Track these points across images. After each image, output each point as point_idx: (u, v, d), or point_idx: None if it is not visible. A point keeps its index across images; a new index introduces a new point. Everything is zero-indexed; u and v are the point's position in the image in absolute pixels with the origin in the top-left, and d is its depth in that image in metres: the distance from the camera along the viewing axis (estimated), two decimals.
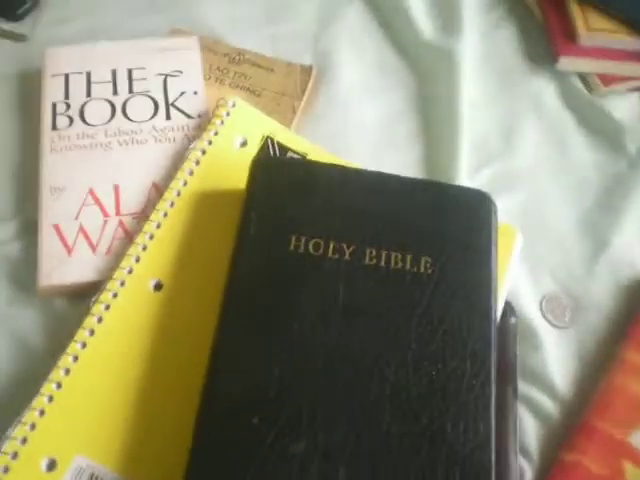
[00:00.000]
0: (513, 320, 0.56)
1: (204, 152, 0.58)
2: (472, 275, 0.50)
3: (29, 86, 0.66)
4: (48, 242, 0.55)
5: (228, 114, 0.60)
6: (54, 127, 0.61)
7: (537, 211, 0.64)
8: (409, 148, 0.67)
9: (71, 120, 0.61)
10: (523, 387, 0.55)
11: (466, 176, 0.64)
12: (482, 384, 0.47)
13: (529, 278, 0.61)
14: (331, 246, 0.50)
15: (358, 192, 0.53)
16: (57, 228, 0.56)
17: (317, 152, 0.59)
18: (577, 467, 0.52)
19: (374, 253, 0.50)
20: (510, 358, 0.55)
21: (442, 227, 0.52)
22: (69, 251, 0.55)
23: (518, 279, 0.60)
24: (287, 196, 0.52)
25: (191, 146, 0.59)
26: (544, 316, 0.59)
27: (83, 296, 0.54)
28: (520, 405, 0.55)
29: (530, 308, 0.59)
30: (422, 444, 0.44)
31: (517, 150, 0.68)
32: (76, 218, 0.56)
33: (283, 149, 0.59)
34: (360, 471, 0.43)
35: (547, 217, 0.64)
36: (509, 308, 0.57)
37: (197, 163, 0.57)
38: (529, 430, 0.55)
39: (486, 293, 0.50)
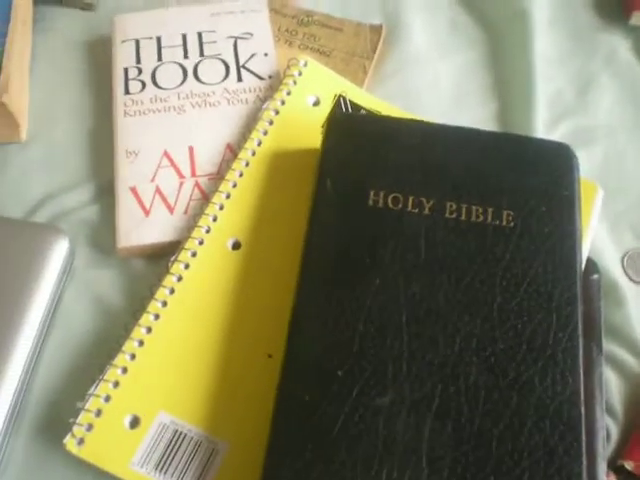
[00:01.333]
0: (596, 276, 0.55)
1: (277, 112, 0.58)
2: (555, 228, 0.49)
3: (99, 54, 0.66)
4: (125, 204, 0.56)
5: (300, 74, 0.60)
6: (127, 92, 0.61)
7: (615, 167, 0.63)
8: (482, 105, 0.65)
9: (143, 84, 0.61)
10: (606, 344, 0.54)
11: (542, 132, 0.63)
12: (569, 337, 0.46)
13: (610, 235, 0.60)
14: (410, 200, 0.49)
15: (437, 146, 0.52)
16: (134, 190, 0.56)
17: (390, 110, 0.59)
18: None
19: (454, 207, 0.49)
20: (594, 314, 0.54)
21: (523, 180, 0.51)
22: (146, 212, 0.55)
23: (599, 236, 0.58)
24: (364, 151, 0.51)
25: (264, 106, 0.58)
26: (626, 273, 0.58)
27: (161, 256, 0.54)
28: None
29: (612, 265, 0.58)
30: (510, 397, 0.44)
31: (593, 105, 0.66)
32: (152, 180, 0.57)
33: (356, 107, 0.59)
34: (447, 423, 0.43)
35: (626, 173, 0.63)
36: (591, 264, 0.55)
37: (271, 123, 0.57)
38: (613, 388, 0.53)
39: (571, 245, 0.49)
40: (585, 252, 0.53)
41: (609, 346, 0.54)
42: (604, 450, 0.50)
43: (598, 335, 0.53)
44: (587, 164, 0.61)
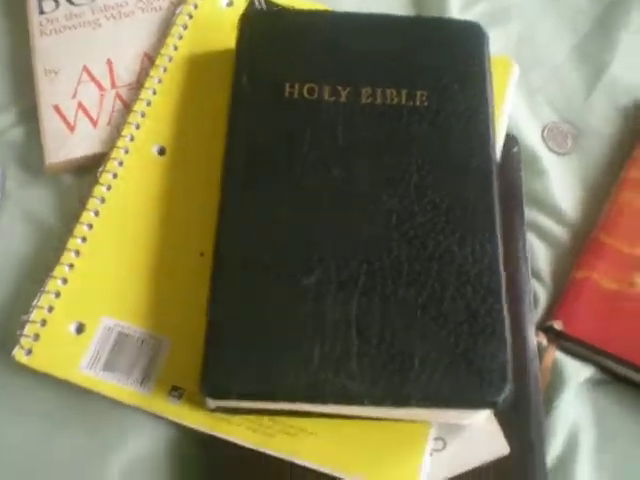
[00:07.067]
0: (515, 149, 0.57)
1: (191, 16, 0.58)
2: (468, 104, 0.51)
3: None
4: (50, 122, 0.56)
5: None
6: (41, 11, 0.60)
7: (531, 43, 0.64)
8: None
9: (57, 3, 0.60)
10: (530, 214, 0.56)
11: (457, 13, 0.63)
12: (486, 207, 0.48)
13: (528, 110, 0.61)
14: (326, 89, 0.50)
15: (349, 34, 0.53)
16: (57, 108, 0.56)
17: (304, 4, 0.58)
18: (587, 283, 0.53)
19: (370, 92, 0.50)
20: (516, 186, 0.55)
21: (435, 60, 0.52)
22: (71, 128, 0.55)
23: (517, 111, 0.60)
24: (277, 45, 0.52)
25: (177, 11, 0.58)
26: (546, 144, 0.59)
27: (89, 169, 0.54)
28: (529, 232, 0.56)
29: (533, 139, 0.59)
30: (431, 266, 0.46)
31: None
32: (74, 96, 0.57)
33: (270, 4, 0.58)
34: (374, 297, 0.45)
35: (542, 48, 0.64)
36: (511, 139, 0.57)
37: (185, 27, 0.57)
38: (540, 255, 0.56)
39: (483, 119, 0.50)
40: (503, 126, 0.55)
41: (534, 215, 0.57)
42: (531, 313, 0.52)
43: (520, 205, 0.55)
44: (503, 41, 0.62)
